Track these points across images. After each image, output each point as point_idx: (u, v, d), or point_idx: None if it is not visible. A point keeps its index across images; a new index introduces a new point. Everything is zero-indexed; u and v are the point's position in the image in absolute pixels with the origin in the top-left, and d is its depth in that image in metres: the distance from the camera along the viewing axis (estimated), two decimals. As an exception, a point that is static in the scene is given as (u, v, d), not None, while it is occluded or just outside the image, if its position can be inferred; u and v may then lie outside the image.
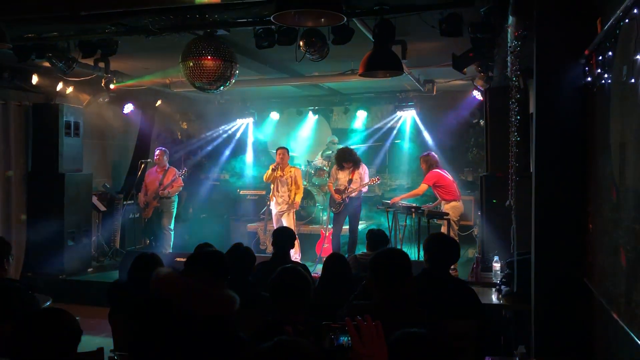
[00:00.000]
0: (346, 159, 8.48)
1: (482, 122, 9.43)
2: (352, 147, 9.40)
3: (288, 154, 8.74)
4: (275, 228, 7.47)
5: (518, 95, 4.90)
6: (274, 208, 8.71)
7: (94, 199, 9.21)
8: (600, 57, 3.32)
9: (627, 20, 2.73)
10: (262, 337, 2.69)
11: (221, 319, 2.84)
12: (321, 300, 3.83)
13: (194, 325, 2.79)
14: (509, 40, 4.82)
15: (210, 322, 2.80)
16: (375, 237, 5.08)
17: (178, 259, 7.15)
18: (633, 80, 2.68)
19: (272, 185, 8.68)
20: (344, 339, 1.77)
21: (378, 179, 9.07)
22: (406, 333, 1.76)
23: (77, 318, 2.46)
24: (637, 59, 2.57)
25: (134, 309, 3.64)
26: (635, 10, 2.55)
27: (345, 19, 4.20)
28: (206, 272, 2.94)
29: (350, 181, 8.40)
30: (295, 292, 2.82)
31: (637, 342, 2.57)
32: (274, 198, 8.68)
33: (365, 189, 8.55)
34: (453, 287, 3.70)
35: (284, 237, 4.83)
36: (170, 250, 8.77)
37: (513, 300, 4.77)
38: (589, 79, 3.70)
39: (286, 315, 2.76)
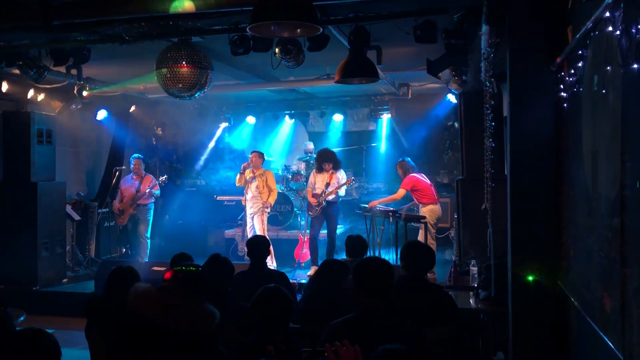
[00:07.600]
0: (327, 159, 8.48)
1: (456, 125, 9.52)
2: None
3: (260, 157, 8.71)
4: (249, 236, 7.47)
5: (492, 102, 4.95)
6: (247, 210, 8.70)
7: (68, 208, 9.05)
8: (572, 66, 3.37)
9: (597, 32, 2.79)
10: (245, 358, 2.69)
11: (201, 335, 2.82)
12: (313, 312, 3.78)
13: (173, 342, 2.76)
14: (482, 47, 4.88)
15: (190, 337, 2.78)
16: (355, 243, 5.09)
17: (155, 268, 7.07)
18: (604, 91, 2.73)
19: (245, 189, 8.69)
20: None
21: (353, 180, 9.09)
22: (385, 350, 1.77)
23: (52, 331, 2.42)
24: (608, 69, 2.62)
25: (112, 324, 3.59)
26: (605, 22, 2.59)
27: (322, 29, 4.19)
28: (185, 288, 2.92)
29: (327, 185, 8.40)
30: (278, 313, 2.83)
31: (612, 348, 2.62)
32: (247, 201, 8.66)
33: (342, 192, 8.55)
34: (430, 293, 3.74)
35: (260, 247, 4.80)
36: (147, 259, 8.67)
37: (491, 304, 4.82)
38: (561, 86, 3.76)
39: (268, 334, 2.76)
